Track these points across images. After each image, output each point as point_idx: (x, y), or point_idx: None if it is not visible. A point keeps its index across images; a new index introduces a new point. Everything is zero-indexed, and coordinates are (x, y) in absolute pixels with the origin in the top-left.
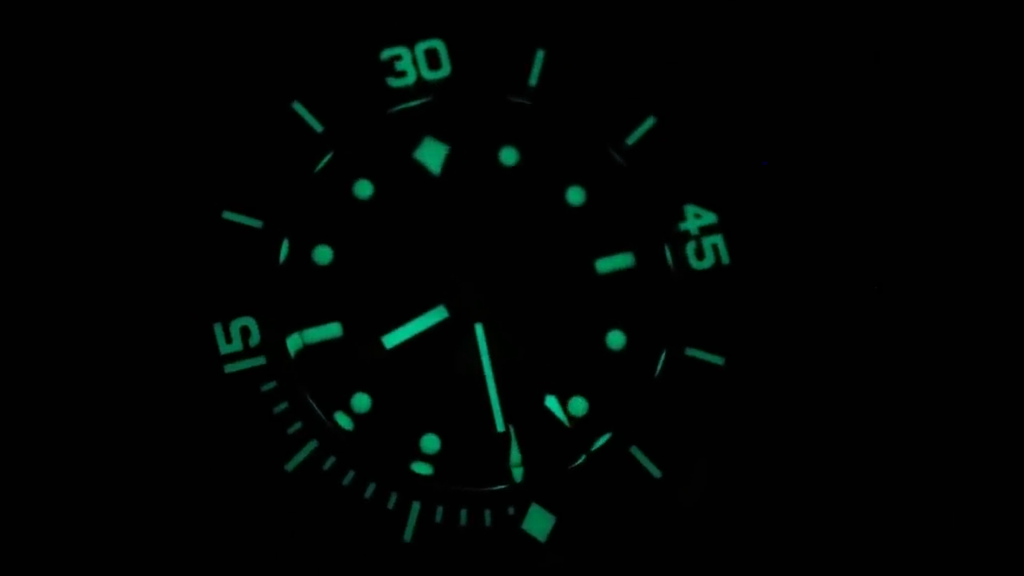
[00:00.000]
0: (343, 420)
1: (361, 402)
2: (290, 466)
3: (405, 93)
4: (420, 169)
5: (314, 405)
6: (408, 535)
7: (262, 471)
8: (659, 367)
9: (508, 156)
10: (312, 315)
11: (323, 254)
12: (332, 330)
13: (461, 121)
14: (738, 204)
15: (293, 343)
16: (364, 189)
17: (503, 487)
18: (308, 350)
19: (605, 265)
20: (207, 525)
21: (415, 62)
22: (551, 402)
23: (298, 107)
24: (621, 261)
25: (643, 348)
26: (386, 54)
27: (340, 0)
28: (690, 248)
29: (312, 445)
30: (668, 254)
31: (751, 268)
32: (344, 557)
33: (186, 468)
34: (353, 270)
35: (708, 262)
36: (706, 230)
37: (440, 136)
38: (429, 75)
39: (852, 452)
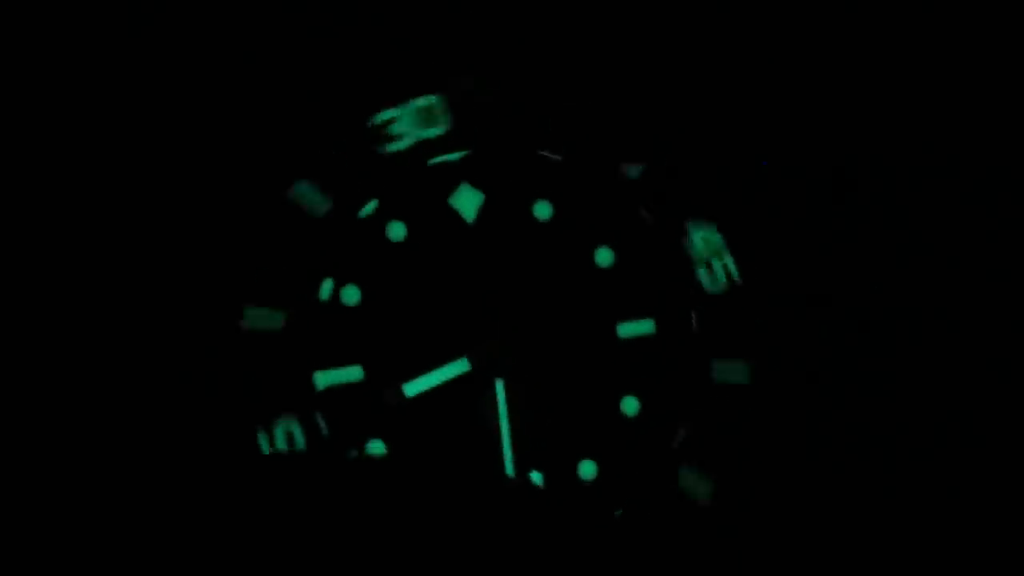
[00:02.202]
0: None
1: (376, 449)
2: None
3: (442, 143)
4: (454, 215)
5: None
6: None
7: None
8: (677, 439)
9: (542, 210)
10: (334, 356)
11: (351, 295)
12: (353, 373)
13: (498, 172)
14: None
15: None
16: (398, 231)
17: None
18: (328, 392)
19: (626, 330)
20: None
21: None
22: (536, 477)
23: None
24: (642, 327)
25: (657, 416)
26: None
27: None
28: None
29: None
30: (693, 322)
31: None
32: None
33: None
34: (379, 313)
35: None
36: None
37: (476, 184)
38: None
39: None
